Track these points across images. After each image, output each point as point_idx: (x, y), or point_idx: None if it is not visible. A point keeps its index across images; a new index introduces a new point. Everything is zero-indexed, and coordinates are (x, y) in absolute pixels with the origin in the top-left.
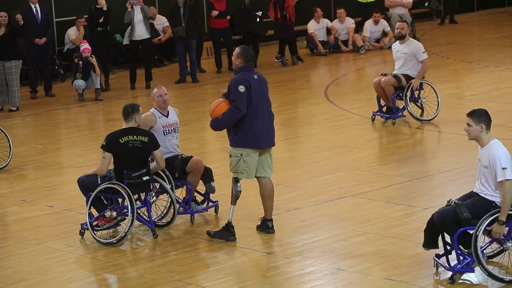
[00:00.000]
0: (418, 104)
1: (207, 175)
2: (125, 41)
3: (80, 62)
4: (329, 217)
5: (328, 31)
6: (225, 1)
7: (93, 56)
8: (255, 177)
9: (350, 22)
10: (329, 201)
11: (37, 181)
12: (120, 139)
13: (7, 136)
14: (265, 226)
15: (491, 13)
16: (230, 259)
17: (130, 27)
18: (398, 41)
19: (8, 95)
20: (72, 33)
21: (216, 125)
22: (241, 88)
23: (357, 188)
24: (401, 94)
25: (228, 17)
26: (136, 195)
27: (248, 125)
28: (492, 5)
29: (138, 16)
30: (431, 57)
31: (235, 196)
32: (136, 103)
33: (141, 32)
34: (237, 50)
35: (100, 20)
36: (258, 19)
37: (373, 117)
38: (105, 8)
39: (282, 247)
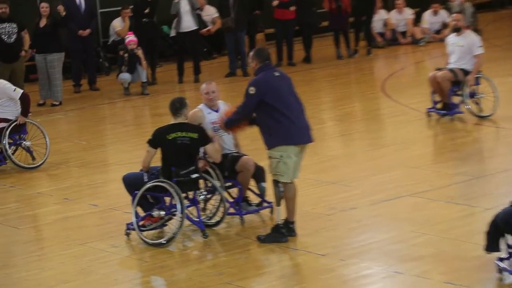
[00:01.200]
0: (475, 99)
1: (258, 175)
2: (173, 33)
3: (126, 55)
4: (386, 218)
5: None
6: None
7: (139, 48)
8: None
9: (408, 13)
10: (386, 201)
11: (80, 179)
12: (167, 136)
13: (43, 133)
14: (288, 229)
15: None
16: (282, 261)
17: (176, 19)
18: (453, 34)
19: (50, 89)
20: (117, 24)
21: (226, 123)
22: (251, 90)
23: (415, 187)
24: (455, 90)
25: (292, 8)
26: (184, 194)
27: (282, 123)
28: None
29: (185, 7)
30: (493, 49)
31: (278, 198)
32: (183, 97)
33: (188, 23)
34: (250, 53)
35: (146, 11)
36: (313, 10)
37: (428, 113)
38: None
39: (337, 248)
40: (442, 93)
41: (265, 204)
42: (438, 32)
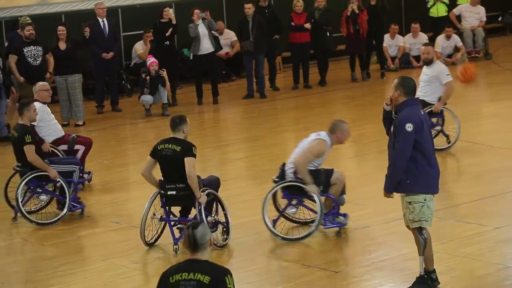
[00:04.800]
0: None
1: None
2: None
3: (148, 78)
4: (399, 236)
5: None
6: (306, 15)
7: (163, 70)
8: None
9: (423, 38)
10: (399, 219)
11: (103, 197)
12: (158, 146)
13: None
14: (428, 278)
15: None
16: (298, 277)
17: (195, 41)
18: (425, 66)
19: (71, 110)
20: (139, 47)
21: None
22: (409, 127)
23: None
24: None
25: (307, 25)
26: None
27: (425, 169)
28: None
29: (203, 30)
30: (504, 73)
31: (423, 246)
32: (184, 115)
33: (206, 46)
34: (395, 81)
35: (167, 34)
36: (328, 34)
37: None
38: (174, 22)
39: (351, 265)
40: None
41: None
42: (450, 56)
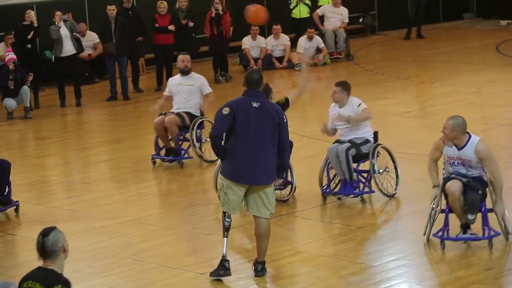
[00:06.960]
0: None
1: None
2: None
3: (13, 68)
4: None
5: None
6: (170, 16)
7: (31, 74)
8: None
9: (285, 39)
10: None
11: None
12: None
13: None
14: (254, 269)
15: (426, 29)
16: (163, 279)
17: (56, 44)
18: (179, 75)
19: None
20: (0, 49)
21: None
22: (225, 111)
23: (291, 207)
24: (185, 134)
25: (171, 27)
26: None
27: (233, 155)
28: (427, 21)
29: (65, 32)
30: (365, 74)
31: (224, 228)
32: (267, 83)
33: (69, 47)
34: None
35: (29, 37)
36: (193, 35)
37: (153, 161)
38: (36, 24)
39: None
40: (166, 138)
41: None
42: (312, 57)
